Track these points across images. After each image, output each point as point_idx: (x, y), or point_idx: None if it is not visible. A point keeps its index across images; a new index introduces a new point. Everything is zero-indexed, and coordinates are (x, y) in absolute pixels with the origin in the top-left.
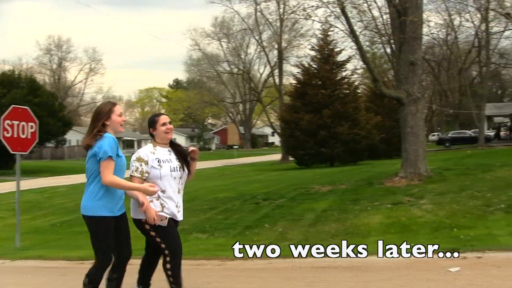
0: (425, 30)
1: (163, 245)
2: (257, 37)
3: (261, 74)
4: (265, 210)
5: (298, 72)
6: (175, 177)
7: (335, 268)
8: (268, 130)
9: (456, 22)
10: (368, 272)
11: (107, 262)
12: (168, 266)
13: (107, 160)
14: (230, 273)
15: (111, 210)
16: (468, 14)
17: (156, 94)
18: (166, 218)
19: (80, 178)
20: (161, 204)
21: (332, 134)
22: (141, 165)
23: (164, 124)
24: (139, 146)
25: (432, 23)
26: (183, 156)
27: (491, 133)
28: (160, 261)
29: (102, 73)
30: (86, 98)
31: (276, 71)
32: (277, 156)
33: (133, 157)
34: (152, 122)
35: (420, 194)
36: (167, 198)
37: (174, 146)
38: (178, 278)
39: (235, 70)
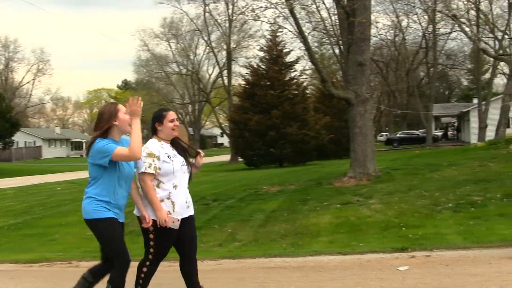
0: (373, 31)
1: (151, 249)
2: (206, 38)
3: (210, 75)
4: (214, 211)
5: (247, 73)
6: (184, 172)
7: (286, 268)
8: (217, 131)
9: (404, 24)
10: (320, 272)
11: (126, 264)
12: (145, 269)
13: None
14: (179, 274)
15: (115, 213)
16: (415, 16)
17: (105, 95)
18: (178, 220)
19: (28, 180)
20: (172, 203)
21: (281, 135)
22: (153, 161)
23: (172, 120)
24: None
25: (380, 24)
26: (186, 152)
27: (439, 133)
28: None
29: (50, 73)
30: (34, 99)
31: (225, 72)
32: (227, 157)
33: (143, 154)
34: (160, 117)
35: (369, 194)
36: (178, 195)
37: (175, 142)
38: (146, 283)
39: (184, 71)
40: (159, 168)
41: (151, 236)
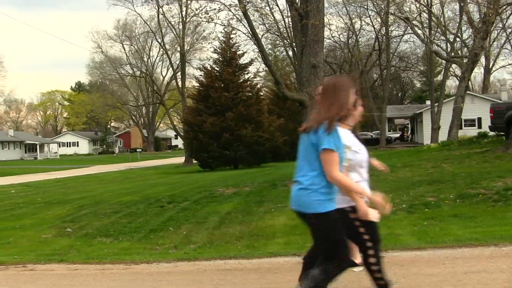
0: (326, 33)
1: (366, 236)
2: (159, 40)
3: (164, 77)
4: (169, 213)
5: (200, 75)
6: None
7: (242, 270)
8: (171, 133)
9: (357, 26)
10: (276, 274)
11: (347, 264)
12: (371, 260)
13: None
14: (136, 277)
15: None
16: (368, 18)
17: (59, 97)
18: (379, 212)
19: None
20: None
21: (235, 137)
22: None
23: (361, 105)
24: (42, 151)
25: (334, 26)
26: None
27: (394, 134)
28: None
29: (3, 75)
30: None
31: (179, 74)
32: (181, 159)
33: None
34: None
35: None
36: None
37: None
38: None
39: (138, 73)
40: (350, 160)
41: (357, 223)
